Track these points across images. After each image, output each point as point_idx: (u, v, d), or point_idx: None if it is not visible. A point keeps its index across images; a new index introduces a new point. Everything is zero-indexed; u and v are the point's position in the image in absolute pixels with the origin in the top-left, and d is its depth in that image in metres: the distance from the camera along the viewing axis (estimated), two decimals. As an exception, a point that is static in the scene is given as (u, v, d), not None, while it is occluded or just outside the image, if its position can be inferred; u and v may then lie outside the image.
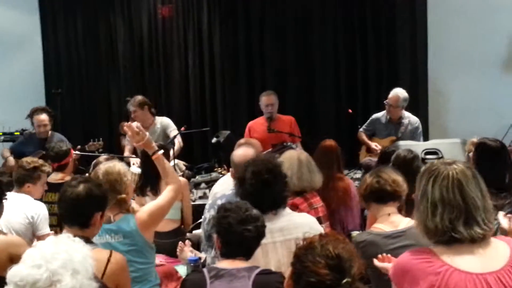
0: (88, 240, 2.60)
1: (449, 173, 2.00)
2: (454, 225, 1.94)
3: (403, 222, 2.99)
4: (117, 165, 3.23)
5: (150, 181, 4.40)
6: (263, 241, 2.66)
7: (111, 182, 3.11)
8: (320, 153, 4.66)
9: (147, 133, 3.36)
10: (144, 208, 3.24)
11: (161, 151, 3.37)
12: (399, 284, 2.00)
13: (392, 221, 2.99)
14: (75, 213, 2.60)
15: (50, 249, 1.76)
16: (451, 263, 1.91)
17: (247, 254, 2.57)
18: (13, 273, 1.72)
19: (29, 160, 4.30)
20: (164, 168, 3.34)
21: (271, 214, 2.96)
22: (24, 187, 4.17)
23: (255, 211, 2.62)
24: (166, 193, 3.28)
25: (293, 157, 3.98)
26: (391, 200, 3.04)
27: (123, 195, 3.16)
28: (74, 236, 2.52)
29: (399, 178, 3.08)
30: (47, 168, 4.37)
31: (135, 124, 3.29)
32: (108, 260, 2.51)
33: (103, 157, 4.97)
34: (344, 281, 1.72)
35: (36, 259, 1.72)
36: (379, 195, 3.04)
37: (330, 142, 4.80)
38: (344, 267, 1.76)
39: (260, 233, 2.58)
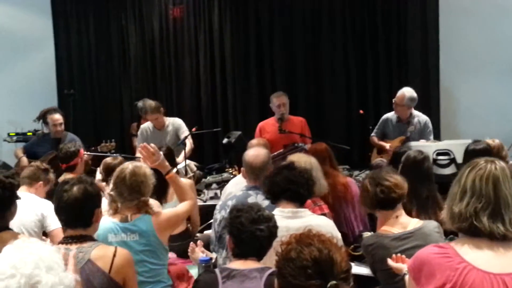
0: (91, 238, 2.66)
1: (488, 166, 1.99)
2: (478, 214, 1.93)
3: (411, 223, 2.99)
4: (143, 167, 3.25)
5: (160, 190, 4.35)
6: (282, 238, 2.68)
7: (137, 183, 3.15)
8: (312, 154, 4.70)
9: (161, 153, 3.41)
10: (163, 212, 3.29)
11: (175, 170, 3.42)
12: (416, 277, 1.99)
13: (400, 223, 2.98)
14: (77, 215, 2.64)
15: (16, 256, 1.72)
16: (470, 260, 1.90)
17: (259, 254, 2.58)
18: None
19: (42, 164, 4.44)
20: (179, 186, 3.41)
21: (291, 212, 3.02)
22: (36, 185, 4.20)
23: (267, 212, 2.65)
24: (184, 205, 3.37)
25: (303, 160, 3.98)
26: (398, 203, 3.02)
27: (146, 198, 3.19)
28: (79, 236, 2.56)
29: (398, 179, 3.04)
30: (52, 178, 4.43)
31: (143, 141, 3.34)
32: (114, 255, 2.56)
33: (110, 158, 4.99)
34: (329, 285, 1.69)
35: (7, 270, 1.67)
36: (386, 204, 3.02)
37: (317, 144, 4.86)
38: (324, 270, 1.72)
39: (272, 233, 2.59)
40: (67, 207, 2.64)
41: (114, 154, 6.07)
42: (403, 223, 2.98)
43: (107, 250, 2.59)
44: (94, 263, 2.50)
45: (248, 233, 2.53)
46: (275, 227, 2.62)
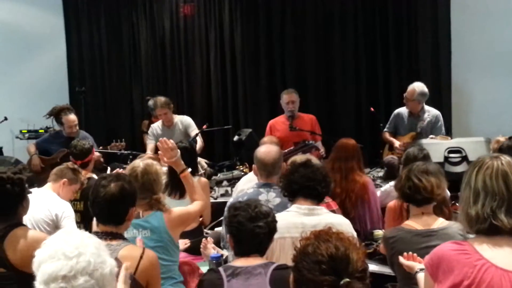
0: (122, 237, 2.65)
1: (494, 163, 1.99)
2: (495, 212, 1.92)
3: (436, 222, 2.96)
4: (154, 165, 3.26)
5: (176, 187, 4.35)
6: (296, 235, 2.69)
7: (149, 181, 3.16)
8: (339, 148, 4.70)
9: (179, 151, 3.41)
10: (175, 209, 3.30)
11: (189, 169, 3.44)
12: (433, 274, 1.98)
13: (424, 220, 2.97)
14: (111, 212, 2.65)
15: (76, 239, 1.73)
16: (489, 258, 1.89)
17: (260, 250, 2.58)
18: (56, 268, 1.65)
19: (72, 164, 4.47)
20: (192, 186, 3.43)
21: (308, 209, 3.02)
22: (60, 182, 4.19)
23: (264, 207, 2.64)
24: (195, 205, 3.39)
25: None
26: (425, 204, 3.01)
27: (158, 196, 3.20)
28: (110, 232, 2.57)
29: (433, 181, 2.99)
30: (83, 178, 4.42)
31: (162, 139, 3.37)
32: (141, 257, 2.54)
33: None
34: (342, 282, 1.69)
35: (73, 251, 1.67)
36: (410, 200, 3.03)
37: (348, 139, 4.82)
38: (339, 267, 1.72)
39: (271, 229, 2.59)
40: (102, 202, 2.64)
41: (125, 152, 6.11)
42: (428, 220, 2.97)
43: (134, 251, 2.57)
44: (120, 262, 2.51)
45: (248, 231, 2.53)
46: (274, 221, 2.62)
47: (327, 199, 3.87)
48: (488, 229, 1.93)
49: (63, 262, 1.65)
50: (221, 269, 2.54)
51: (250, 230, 2.52)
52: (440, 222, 2.97)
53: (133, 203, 2.72)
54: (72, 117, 6.12)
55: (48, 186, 4.18)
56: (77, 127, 6.21)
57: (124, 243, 2.60)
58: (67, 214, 3.97)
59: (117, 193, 2.63)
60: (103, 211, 2.66)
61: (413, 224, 2.97)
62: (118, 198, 2.63)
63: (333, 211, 3.59)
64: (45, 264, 1.67)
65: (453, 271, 1.90)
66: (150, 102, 7.40)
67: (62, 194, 4.15)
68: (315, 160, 3.47)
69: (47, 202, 3.94)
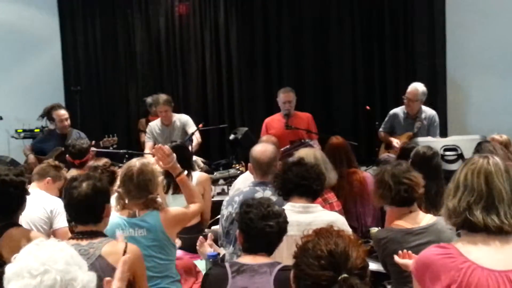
0: (102, 234, 2.68)
1: (480, 161, 2.00)
2: (471, 208, 1.93)
3: (425, 219, 2.97)
4: (150, 164, 3.27)
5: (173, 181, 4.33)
6: (291, 232, 2.70)
7: (145, 181, 3.16)
8: (328, 151, 4.63)
9: (175, 156, 3.42)
10: (171, 208, 3.31)
11: (185, 172, 3.45)
12: (420, 279, 1.98)
13: (413, 218, 2.97)
14: (88, 211, 2.67)
15: (45, 253, 1.59)
16: (474, 259, 1.89)
17: (269, 249, 2.58)
18: None
19: (53, 161, 4.47)
20: (189, 189, 3.44)
21: (302, 207, 3.03)
22: (44, 181, 4.20)
23: (277, 207, 2.65)
24: (193, 206, 3.40)
25: (309, 155, 3.98)
26: (415, 202, 3.02)
27: (154, 195, 3.20)
28: (90, 231, 2.58)
29: (418, 177, 3.00)
30: (65, 175, 4.43)
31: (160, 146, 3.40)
32: (125, 251, 2.56)
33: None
34: (340, 277, 1.70)
35: (39, 267, 1.54)
36: (407, 202, 3.00)
37: (336, 139, 4.78)
38: (338, 263, 1.73)
39: (281, 229, 2.59)
40: (77, 204, 2.66)
41: (121, 151, 6.10)
42: (417, 218, 2.97)
43: (117, 246, 2.60)
44: (104, 259, 2.52)
45: (258, 229, 2.53)
46: (285, 222, 2.63)
47: (332, 199, 3.88)
48: (463, 223, 1.95)
49: (27, 281, 1.53)
50: (227, 264, 2.56)
51: (261, 228, 2.53)
52: (429, 218, 2.99)
53: (107, 199, 2.75)
54: (63, 111, 6.21)
55: (33, 186, 4.16)
56: (68, 122, 6.26)
57: (105, 240, 2.63)
58: (60, 210, 3.96)
59: (90, 192, 2.65)
60: (79, 211, 2.68)
61: (403, 223, 2.97)
62: (92, 197, 2.65)
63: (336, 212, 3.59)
64: (10, 283, 1.56)
65: (440, 276, 1.90)
66: (149, 100, 7.39)
67: (48, 193, 4.15)
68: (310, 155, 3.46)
69: (40, 201, 3.93)
